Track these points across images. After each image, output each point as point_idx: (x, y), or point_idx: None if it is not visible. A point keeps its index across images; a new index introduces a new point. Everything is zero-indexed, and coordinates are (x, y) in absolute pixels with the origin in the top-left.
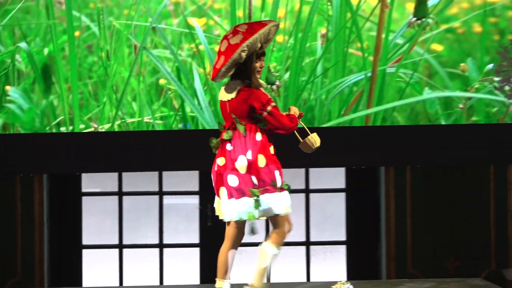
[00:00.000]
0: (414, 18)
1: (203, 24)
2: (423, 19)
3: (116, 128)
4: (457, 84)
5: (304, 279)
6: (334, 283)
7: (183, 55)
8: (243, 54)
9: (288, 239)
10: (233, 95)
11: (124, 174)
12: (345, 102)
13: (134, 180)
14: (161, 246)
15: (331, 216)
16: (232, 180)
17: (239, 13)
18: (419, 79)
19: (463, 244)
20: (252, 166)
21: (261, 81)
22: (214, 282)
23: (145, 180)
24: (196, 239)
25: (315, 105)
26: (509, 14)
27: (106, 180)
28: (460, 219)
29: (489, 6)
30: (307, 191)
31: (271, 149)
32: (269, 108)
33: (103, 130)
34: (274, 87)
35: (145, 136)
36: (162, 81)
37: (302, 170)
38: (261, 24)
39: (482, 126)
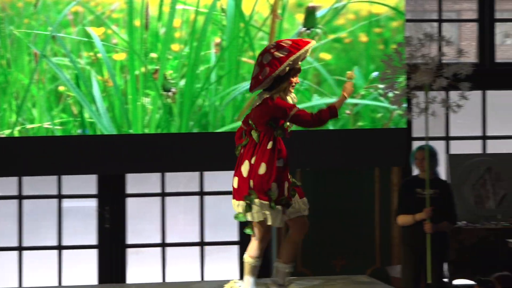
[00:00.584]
0: (304, 28)
1: (101, 33)
2: (312, 29)
3: (16, 134)
4: None
5: (199, 278)
6: (227, 281)
7: (82, 63)
8: (287, 69)
9: (183, 239)
10: (258, 102)
11: (24, 178)
12: (238, 108)
13: (33, 183)
14: (59, 247)
15: (225, 217)
16: (235, 182)
17: (136, 22)
18: (309, 86)
19: (350, 243)
20: (252, 171)
21: (293, 95)
22: (111, 282)
23: (45, 184)
24: (94, 241)
25: (209, 111)
26: (393, 24)
27: (6, 184)
28: (347, 219)
29: (374, 17)
30: (201, 193)
31: (280, 161)
32: (291, 113)
33: (3, 135)
34: (170, 93)
35: (45, 141)
36: (61, 88)
37: (197, 174)
38: (304, 41)
39: (367, 131)
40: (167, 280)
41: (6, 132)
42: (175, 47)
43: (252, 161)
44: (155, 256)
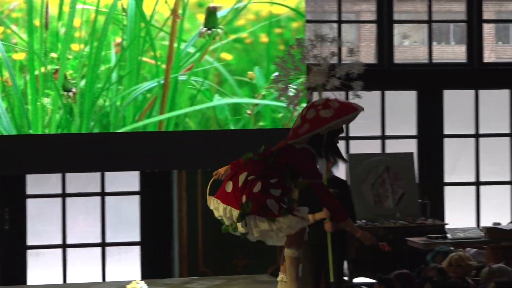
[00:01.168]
0: (205, 29)
1: (0, 33)
2: (213, 30)
3: None
4: (245, 91)
5: (100, 279)
6: (129, 282)
7: None
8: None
9: (84, 240)
10: (297, 142)
11: None
12: (140, 108)
13: None
14: None
15: (126, 218)
16: (228, 185)
17: (36, 22)
18: (210, 86)
19: (251, 243)
20: (247, 185)
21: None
22: (12, 283)
23: None
24: None
25: (110, 111)
26: (293, 25)
27: None
28: None
29: (275, 18)
30: (102, 194)
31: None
32: (315, 181)
33: None
34: (70, 93)
35: None
36: None
37: (98, 174)
38: (351, 107)
39: (269, 131)
40: (68, 281)
41: None
42: (75, 47)
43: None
44: (55, 257)
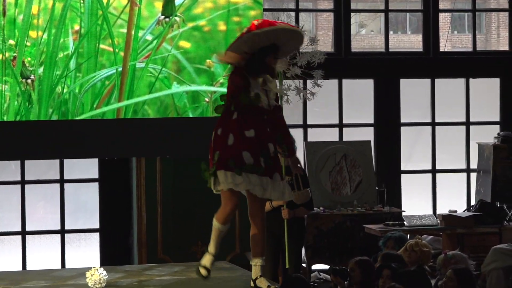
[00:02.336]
0: (162, 16)
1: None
2: (171, 17)
3: None
4: (204, 79)
5: (60, 266)
6: (89, 269)
7: None
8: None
9: (43, 227)
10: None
11: None
12: (98, 95)
13: None
14: None
15: (85, 205)
16: None
17: None
18: (168, 74)
19: (210, 230)
20: None
21: (269, 79)
22: None
23: None
24: None
25: (68, 98)
26: (251, 13)
27: None
28: (206, 206)
29: (233, 6)
30: (61, 181)
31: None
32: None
33: None
34: (29, 81)
35: None
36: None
37: (57, 161)
38: (270, 23)
39: None
40: (28, 268)
41: None
42: (33, 34)
43: None
44: (15, 244)
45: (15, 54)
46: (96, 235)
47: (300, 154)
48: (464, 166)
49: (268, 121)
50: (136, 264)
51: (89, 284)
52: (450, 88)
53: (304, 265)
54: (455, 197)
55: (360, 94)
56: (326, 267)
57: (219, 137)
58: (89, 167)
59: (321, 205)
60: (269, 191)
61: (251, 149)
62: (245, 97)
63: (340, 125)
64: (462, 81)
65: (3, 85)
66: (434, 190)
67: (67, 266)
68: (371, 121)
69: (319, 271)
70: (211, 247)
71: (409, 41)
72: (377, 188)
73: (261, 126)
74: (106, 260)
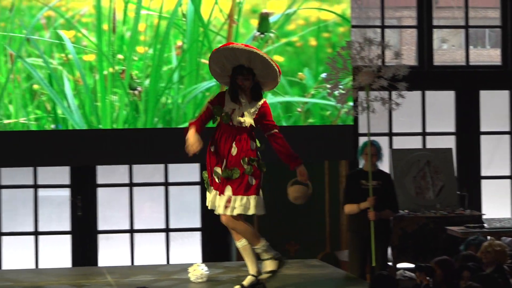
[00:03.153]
0: (258, 33)
1: (72, 36)
2: (266, 34)
3: None
4: (296, 91)
5: (165, 262)
6: (191, 265)
7: (54, 63)
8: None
9: (149, 226)
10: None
11: (2, 169)
12: (199, 106)
13: (11, 174)
14: (36, 233)
15: (188, 206)
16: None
17: (104, 26)
18: None
19: (302, 230)
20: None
21: (247, 98)
22: (84, 265)
23: (22, 174)
24: (67, 227)
25: (172, 108)
26: (340, 30)
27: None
28: (300, 207)
29: (323, 23)
30: (166, 184)
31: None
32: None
33: None
34: (136, 92)
35: (21, 135)
36: (36, 86)
37: (162, 166)
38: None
39: (317, 127)
40: (135, 263)
41: None
42: (140, 49)
43: None
44: (124, 241)
45: (124, 67)
46: (198, 234)
47: (386, 160)
48: None
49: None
50: (234, 261)
51: (191, 279)
52: None
53: (390, 263)
54: None
55: (442, 104)
56: (411, 265)
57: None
58: (191, 171)
59: (406, 208)
60: (217, 204)
61: (208, 165)
62: (217, 112)
63: (423, 134)
64: None
65: (113, 96)
66: None
67: (171, 262)
68: (453, 129)
69: (404, 269)
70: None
71: (488, 55)
72: (458, 192)
73: (228, 143)
74: (207, 256)
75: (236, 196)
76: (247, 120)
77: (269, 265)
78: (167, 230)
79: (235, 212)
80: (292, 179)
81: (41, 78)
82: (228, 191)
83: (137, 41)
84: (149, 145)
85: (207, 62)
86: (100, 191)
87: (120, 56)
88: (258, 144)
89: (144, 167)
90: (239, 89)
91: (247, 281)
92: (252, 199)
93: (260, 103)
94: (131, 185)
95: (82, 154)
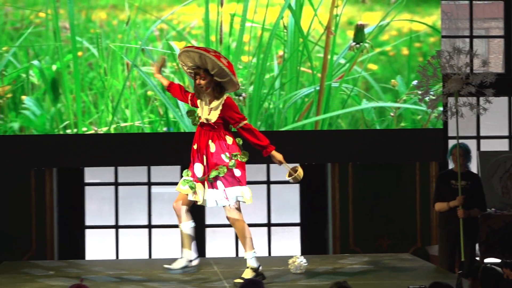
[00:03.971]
0: (354, 43)
1: (182, 47)
2: (361, 44)
3: (112, 131)
4: (389, 96)
5: (266, 254)
6: (291, 257)
7: (166, 71)
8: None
9: (253, 221)
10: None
11: (119, 168)
12: (299, 110)
13: (127, 172)
14: (149, 226)
15: (288, 203)
16: None
17: (212, 38)
18: (358, 92)
19: (395, 226)
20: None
21: (210, 95)
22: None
23: (136, 173)
24: (177, 221)
25: (274, 113)
26: (430, 40)
27: (105, 173)
28: (392, 205)
29: (414, 34)
30: (268, 182)
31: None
32: None
33: (101, 132)
34: (241, 98)
35: (136, 137)
36: (149, 93)
37: (264, 166)
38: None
39: (409, 131)
40: (240, 255)
41: (104, 130)
42: (244, 58)
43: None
44: (229, 234)
45: None
46: (297, 229)
47: (474, 162)
48: None
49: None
50: (331, 254)
51: (291, 270)
52: None
53: (477, 258)
54: None
55: None
56: (498, 260)
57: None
58: None
59: (493, 206)
60: (202, 197)
61: (191, 161)
62: (190, 116)
63: (510, 137)
64: None
65: None
66: None
67: (272, 254)
68: None
69: (491, 264)
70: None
71: None
72: None
73: (204, 140)
74: (306, 250)
75: (230, 188)
76: (212, 117)
77: (247, 274)
78: (269, 225)
79: (234, 202)
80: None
81: (154, 85)
82: (221, 185)
83: (242, 51)
84: (252, 146)
85: (306, 70)
86: None
87: None
88: (238, 141)
89: (248, 167)
90: (200, 88)
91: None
92: (245, 189)
93: (223, 98)
94: None
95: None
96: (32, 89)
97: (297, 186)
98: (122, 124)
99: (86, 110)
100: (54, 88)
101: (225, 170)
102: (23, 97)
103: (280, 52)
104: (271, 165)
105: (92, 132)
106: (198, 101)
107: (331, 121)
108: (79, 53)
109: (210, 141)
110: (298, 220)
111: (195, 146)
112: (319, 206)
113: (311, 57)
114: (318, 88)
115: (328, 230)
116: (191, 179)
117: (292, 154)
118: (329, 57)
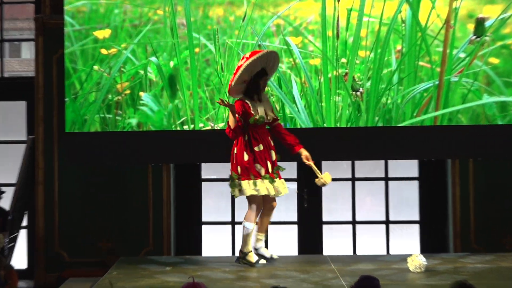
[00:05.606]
0: (474, 36)
1: (299, 42)
2: (482, 37)
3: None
4: (511, 91)
5: (385, 252)
6: (410, 255)
7: (283, 67)
8: (245, 73)
9: (370, 218)
10: (237, 95)
11: (202, 165)
12: (417, 105)
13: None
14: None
15: (407, 200)
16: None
17: (329, 33)
18: (479, 86)
19: None
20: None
21: (263, 95)
22: (309, 253)
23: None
24: (294, 218)
25: (392, 108)
26: None
27: (221, 168)
28: None
29: None
30: (386, 179)
31: (255, 148)
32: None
33: (218, 128)
34: (358, 93)
35: None
36: (266, 89)
37: (382, 162)
38: (255, 52)
39: None
40: (357, 252)
41: (220, 125)
42: (362, 53)
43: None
44: (346, 231)
45: (347, 70)
46: (416, 226)
47: None
48: None
49: (270, 130)
50: (451, 253)
51: (410, 268)
52: None
53: None
54: None
55: None
56: None
57: (236, 155)
58: (410, 167)
59: None
60: (280, 189)
61: (261, 161)
62: (252, 119)
63: None
64: None
65: (337, 97)
66: None
67: (391, 253)
68: None
69: None
70: (248, 248)
71: None
72: None
73: (266, 139)
74: (425, 248)
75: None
76: (272, 114)
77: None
78: (387, 222)
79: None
80: None
81: (271, 80)
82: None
83: (359, 45)
84: (370, 142)
85: (425, 64)
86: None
87: (343, 60)
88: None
89: (365, 163)
90: (262, 89)
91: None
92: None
93: (266, 96)
94: (353, 179)
95: (308, 150)
96: (150, 85)
97: (416, 183)
98: None
99: (203, 106)
100: (172, 84)
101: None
102: (141, 93)
103: (398, 47)
104: (389, 162)
105: (209, 128)
106: (250, 104)
107: (450, 116)
108: (196, 50)
109: (269, 137)
110: (417, 218)
111: (261, 147)
112: (439, 203)
113: (429, 51)
114: (437, 82)
115: (448, 228)
116: (268, 176)
117: (411, 150)
118: (448, 51)
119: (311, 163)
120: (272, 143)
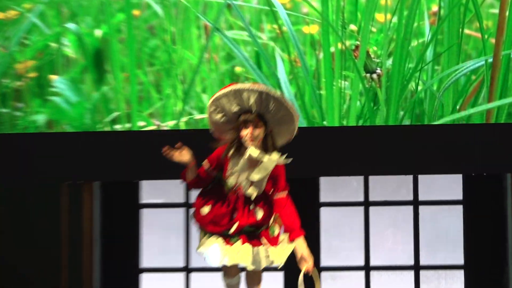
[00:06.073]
0: None
1: (287, 1)
2: None
3: (182, 126)
4: None
5: None
6: None
7: (263, 37)
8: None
9: (393, 262)
10: None
11: None
12: (461, 94)
13: None
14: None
15: (446, 234)
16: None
17: None
18: None
19: None
20: None
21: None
22: None
23: None
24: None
25: (424, 98)
26: None
27: (171, 189)
28: None
29: None
30: (415, 203)
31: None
32: None
33: (166, 128)
34: (374, 75)
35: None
36: (238, 69)
37: (410, 178)
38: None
39: None
40: None
41: (170, 124)
42: (380, 17)
43: None
44: (356, 281)
45: (357, 42)
46: (460, 273)
47: None
48: None
49: None
50: None
51: None
52: None
53: None
54: None
55: None
56: None
57: None
58: (450, 185)
59: None
60: None
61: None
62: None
63: None
64: None
65: (342, 82)
66: None
67: None
68: None
69: None
70: None
71: None
72: None
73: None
74: None
75: None
76: (256, 187)
77: None
78: (416, 268)
79: None
80: None
81: (245, 57)
82: None
83: (375, 5)
84: (392, 149)
85: (474, 34)
86: (323, 211)
87: (352, 27)
88: None
89: (384, 179)
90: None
91: None
92: None
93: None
94: (366, 203)
95: (302, 161)
96: (66, 65)
97: (460, 208)
98: (198, 116)
99: (144, 96)
100: (98, 63)
101: None
102: (53, 76)
103: (434, 8)
104: (420, 178)
105: (153, 128)
106: (230, 160)
107: (511, 110)
108: (135, 12)
109: None
110: (461, 261)
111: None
112: (493, 238)
113: (480, 14)
114: (491, 60)
115: (508, 274)
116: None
117: (452, 159)
118: (507, 13)
119: (309, 269)
120: None
